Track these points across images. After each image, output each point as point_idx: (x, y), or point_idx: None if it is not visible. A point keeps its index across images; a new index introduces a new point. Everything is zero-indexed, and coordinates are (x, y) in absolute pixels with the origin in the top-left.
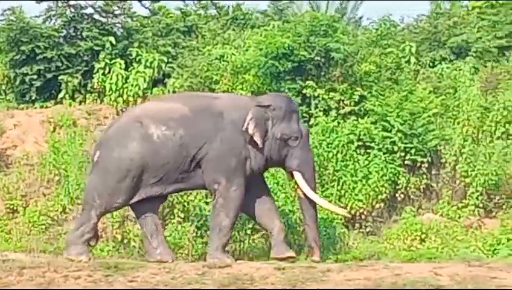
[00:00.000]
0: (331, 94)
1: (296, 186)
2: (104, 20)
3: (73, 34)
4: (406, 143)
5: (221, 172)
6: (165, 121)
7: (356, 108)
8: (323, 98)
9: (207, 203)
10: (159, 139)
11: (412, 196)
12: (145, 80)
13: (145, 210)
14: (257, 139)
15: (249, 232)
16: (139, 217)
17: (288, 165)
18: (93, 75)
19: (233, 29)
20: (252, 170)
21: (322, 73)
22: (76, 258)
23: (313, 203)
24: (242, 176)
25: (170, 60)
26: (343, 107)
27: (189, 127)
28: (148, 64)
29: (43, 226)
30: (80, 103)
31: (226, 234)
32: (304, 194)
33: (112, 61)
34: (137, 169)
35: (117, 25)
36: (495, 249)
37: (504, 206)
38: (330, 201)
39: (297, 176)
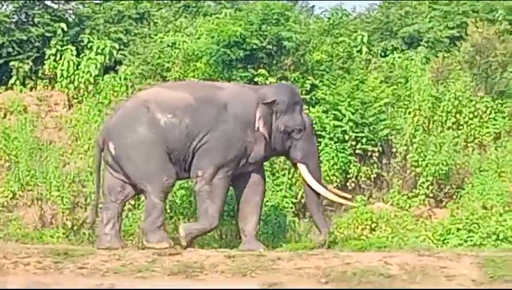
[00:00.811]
0: (283, 82)
1: (301, 177)
2: (55, 6)
3: (25, 20)
4: (357, 132)
5: (212, 162)
6: (172, 109)
7: (307, 97)
8: None
9: None
10: (166, 125)
11: (362, 185)
12: (96, 67)
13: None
14: (266, 135)
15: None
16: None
17: (293, 156)
18: (45, 62)
19: (185, 17)
20: (253, 160)
21: (274, 61)
22: (159, 245)
23: (317, 195)
24: (232, 168)
25: (122, 47)
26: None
27: (194, 117)
28: (99, 51)
29: None
30: (31, 89)
31: (212, 222)
32: (309, 186)
33: (64, 48)
34: (154, 148)
35: (69, 11)
36: (445, 239)
37: (454, 196)
38: (280, 190)
39: (302, 167)
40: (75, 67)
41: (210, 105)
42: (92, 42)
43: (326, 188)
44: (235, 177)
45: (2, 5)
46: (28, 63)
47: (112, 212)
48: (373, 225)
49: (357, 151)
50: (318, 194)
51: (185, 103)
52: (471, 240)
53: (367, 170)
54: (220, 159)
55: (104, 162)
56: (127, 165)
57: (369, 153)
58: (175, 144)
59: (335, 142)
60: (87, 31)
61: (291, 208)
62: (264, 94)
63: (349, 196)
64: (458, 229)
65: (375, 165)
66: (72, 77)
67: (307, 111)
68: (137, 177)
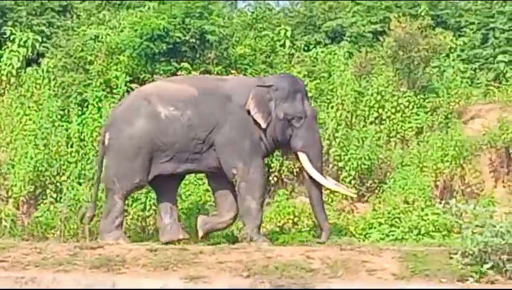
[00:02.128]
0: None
1: (302, 168)
2: None
3: None
4: None
5: (236, 157)
6: (173, 101)
7: None
8: None
9: (80, 183)
10: (167, 118)
11: (285, 179)
12: (18, 59)
13: (162, 188)
14: (258, 119)
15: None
16: (157, 195)
17: (293, 145)
18: None
19: (109, 10)
20: (266, 150)
21: (197, 55)
22: (118, 242)
23: (318, 185)
24: (259, 156)
25: (44, 39)
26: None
27: (197, 109)
28: (22, 43)
29: None
30: None
31: (256, 216)
32: (309, 176)
33: None
34: (147, 146)
35: None
36: (367, 233)
37: (376, 191)
38: (203, 183)
39: (302, 156)
40: None
41: (213, 97)
42: (15, 34)
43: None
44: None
45: None
46: None
47: (164, 204)
48: (295, 219)
49: None
50: (320, 188)
51: (188, 95)
52: (392, 235)
53: (289, 164)
54: (241, 151)
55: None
56: (111, 155)
57: None
58: (176, 137)
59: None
60: (10, 23)
61: (214, 202)
62: (265, 81)
63: (352, 190)
64: (380, 224)
65: (297, 160)
66: None
67: None
68: (114, 169)
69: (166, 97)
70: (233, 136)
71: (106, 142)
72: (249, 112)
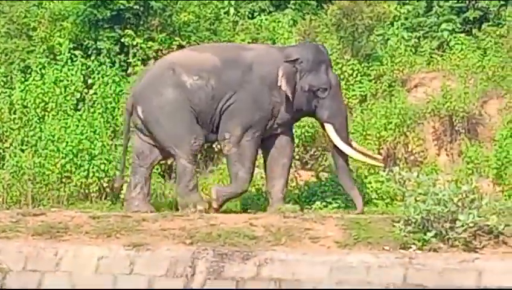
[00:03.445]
0: (150, 43)
1: (328, 137)
2: None
3: None
4: None
5: (239, 124)
6: (197, 70)
7: None
8: (141, 47)
9: (22, 150)
10: (192, 87)
11: None
12: None
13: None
14: (289, 94)
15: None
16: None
17: (319, 116)
18: None
19: None
20: (281, 121)
21: (141, 22)
22: (197, 207)
23: (344, 155)
24: (260, 129)
25: None
26: (162, 57)
27: (219, 78)
28: None
29: None
30: None
31: (242, 185)
32: (335, 146)
33: None
34: (180, 109)
35: None
36: (310, 201)
37: (319, 159)
38: None
39: (328, 127)
40: None
41: (235, 66)
42: None
43: (356, 149)
44: (263, 139)
45: None
46: None
47: (140, 176)
48: None
49: None
50: (346, 158)
51: (211, 65)
52: (336, 202)
53: None
54: (247, 120)
55: (134, 126)
56: (155, 128)
57: None
58: (201, 106)
59: None
60: None
61: (157, 169)
62: (289, 53)
63: (379, 157)
64: (322, 192)
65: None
66: None
67: None
68: (165, 140)
69: (190, 66)
70: (245, 104)
71: (141, 115)
72: (280, 88)
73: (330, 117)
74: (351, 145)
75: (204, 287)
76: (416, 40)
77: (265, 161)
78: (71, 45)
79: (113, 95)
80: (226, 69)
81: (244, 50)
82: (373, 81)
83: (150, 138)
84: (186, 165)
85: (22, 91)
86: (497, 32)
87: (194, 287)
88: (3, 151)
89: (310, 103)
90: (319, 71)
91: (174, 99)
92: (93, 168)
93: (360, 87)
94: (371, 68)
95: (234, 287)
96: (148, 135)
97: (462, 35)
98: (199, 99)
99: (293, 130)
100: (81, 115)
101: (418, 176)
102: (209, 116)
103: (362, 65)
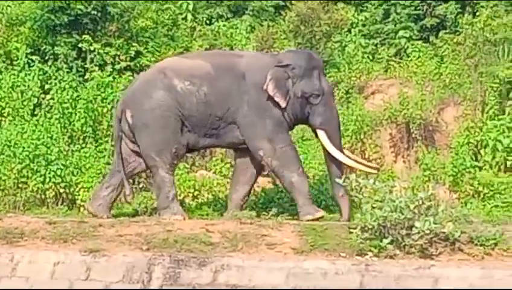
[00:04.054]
0: (107, 49)
1: (322, 144)
2: None
3: None
4: None
5: (259, 138)
6: (189, 76)
7: (132, 63)
8: (99, 53)
9: None
10: (183, 92)
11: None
12: None
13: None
14: (278, 100)
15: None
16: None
17: (312, 123)
18: None
19: None
20: (287, 123)
21: (99, 27)
22: (173, 218)
23: (337, 162)
24: (283, 131)
25: None
26: (119, 62)
27: (212, 86)
28: None
29: None
30: None
31: (302, 188)
32: (328, 152)
33: None
34: (170, 115)
35: None
36: (267, 207)
37: None
38: (103, 156)
39: (321, 133)
40: None
41: (228, 73)
42: None
43: (348, 156)
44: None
45: None
46: None
47: (116, 180)
48: (195, 193)
49: None
50: (339, 164)
51: (203, 71)
52: (292, 209)
53: None
54: (264, 131)
55: (122, 132)
56: (141, 133)
57: None
58: (192, 111)
59: None
60: None
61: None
62: (281, 59)
63: (373, 165)
64: (280, 198)
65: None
66: None
67: (131, 78)
68: (148, 145)
69: (181, 72)
70: (252, 118)
71: (129, 120)
72: (267, 92)
73: (323, 123)
74: (343, 152)
75: None
76: (374, 47)
77: (235, 164)
78: (28, 50)
79: (70, 100)
80: (218, 76)
81: (236, 57)
82: None
83: (136, 145)
84: (165, 176)
85: None
86: (454, 40)
87: None
88: None
89: (303, 110)
90: (312, 77)
91: (165, 102)
92: (49, 173)
93: None
94: (328, 75)
95: None
96: (134, 142)
97: (420, 42)
98: (190, 104)
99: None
100: (37, 120)
101: (374, 183)
102: (201, 122)
103: None
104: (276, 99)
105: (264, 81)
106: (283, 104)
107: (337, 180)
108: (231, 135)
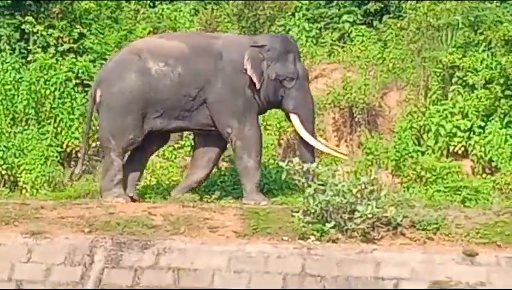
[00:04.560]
0: (50, 31)
1: (293, 129)
2: None
3: None
4: None
5: (230, 115)
6: (164, 57)
7: (75, 46)
8: (41, 35)
9: None
10: (157, 74)
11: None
12: None
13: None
14: (255, 79)
15: None
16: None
17: (284, 106)
18: None
19: None
20: (259, 108)
21: (42, 9)
22: (115, 201)
23: (310, 147)
24: (254, 114)
25: None
26: (62, 44)
27: (187, 66)
28: None
29: None
30: None
31: (254, 174)
32: (301, 137)
33: None
34: (138, 101)
35: None
36: (209, 191)
37: None
38: (46, 138)
39: (293, 117)
40: None
41: (204, 54)
42: None
43: (320, 141)
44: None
45: None
46: None
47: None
48: None
49: None
50: (312, 149)
51: (179, 52)
52: (236, 192)
53: None
54: (235, 109)
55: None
56: (104, 114)
57: None
58: (166, 94)
59: None
60: None
61: (57, 157)
62: (256, 40)
63: (344, 151)
64: (223, 182)
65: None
66: None
67: (74, 60)
68: (108, 128)
69: (157, 53)
70: (225, 95)
71: (97, 99)
72: (246, 72)
73: (296, 107)
74: (315, 138)
75: (102, 276)
76: (318, 31)
77: (194, 148)
78: None
79: (13, 82)
80: (194, 57)
81: (213, 38)
82: None
83: None
84: (115, 159)
85: None
86: (398, 25)
87: (91, 276)
88: None
89: (276, 93)
90: (287, 61)
91: (136, 86)
92: None
93: None
94: None
95: (132, 276)
96: None
97: (363, 27)
98: (163, 86)
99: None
100: None
101: (317, 167)
102: (175, 103)
103: None
104: (253, 79)
105: (241, 60)
106: (257, 85)
107: (306, 165)
108: (201, 115)
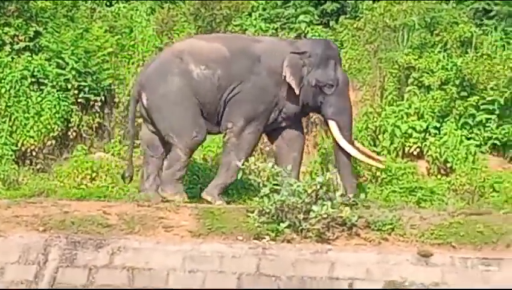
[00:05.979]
0: (6, 29)
1: (331, 135)
2: None
3: None
4: (80, 81)
5: (243, 114)
6: (205, 60)
7: (31, 44)
8: None
9: None
10: (199, 78)
11: (84, 135)
12: None
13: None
14: (294, 86)
15: None
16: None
17: (323, 113)
18: None
19: None
20: (285, 116)
21: None
22: (171, 197)
23: (346, 153)
24: (263, 123)
25: None
26: (18, 43)
27: (227, 69)
28: None
29: None
30: None
31: (232, 174)
32: (338, 144)
33: None
34: (186, 99)
35: None
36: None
37: None
38: (0, 137)
39: (332, 124)
40: None
41: (244, 57)
42: None
43: (358, 149)
44: (271, 132)
45: None
46: None
47: (152, 167)
48: (93, 175)
49: (79, 100)
50: (348, 156)
51: (220, 55)
52: (191, 192)
53: (89, 120)
54: (251, 111)
55: (141, 115)
56: (157, 116)
57: (91, 103)
58: (207, 97)
59: (57, 91)
60: None
61: (11, 155)
62: (298, 46)
63: (382, 159)
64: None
65: (97, 115)
66: None
67: (29, 58)
68: (166, 128)
69: (198, 55)
70: (250, 97)
71: (145, 102)
72: (285, 79)
73: (334, 114)
74: (353, 145)
75: (57, 275)
76: (274, 31)
77: (275, 155)
78: None
79: None
80: (234, 60)
81: (254, 41)
82: None
83: (155, 127)
84: (181, 156)
85: None
86: (354, 25)
87: (46, 275)
88: None
89: (315, 99)
90: (327, 67)
91: (179, 89)
92: None
93: None
94: None
95: (87, 275)
96: (153, 124)
97: (320, 27)
98: (204, 89)
99: (303, 124)
100: None
101: (273, 167)
102: (213, 107)
103: None
104: (293, 86)
105: (279, 66)
106: (297, 91)
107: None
108: None
